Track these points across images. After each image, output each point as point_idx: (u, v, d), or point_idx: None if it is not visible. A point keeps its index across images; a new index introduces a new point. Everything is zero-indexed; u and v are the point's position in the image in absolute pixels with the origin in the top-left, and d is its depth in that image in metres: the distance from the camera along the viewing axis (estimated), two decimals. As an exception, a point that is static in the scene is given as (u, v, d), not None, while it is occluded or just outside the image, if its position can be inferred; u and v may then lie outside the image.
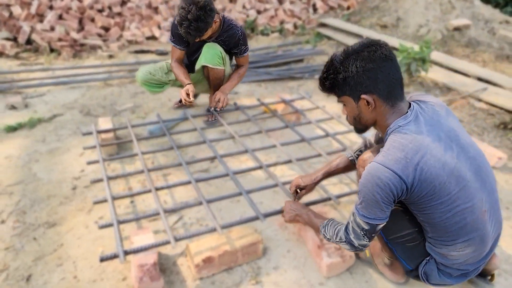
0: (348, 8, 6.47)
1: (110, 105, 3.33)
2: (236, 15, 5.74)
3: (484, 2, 5.77)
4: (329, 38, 4.93)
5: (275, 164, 2.13)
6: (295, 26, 5.94)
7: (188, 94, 2.40)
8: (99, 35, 5.22)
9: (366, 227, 1.23)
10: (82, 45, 4.92)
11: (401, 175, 1.12)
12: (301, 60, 4.55)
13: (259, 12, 6.06)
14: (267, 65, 4.38)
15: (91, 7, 5.41)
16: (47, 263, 1.66)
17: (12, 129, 2.82)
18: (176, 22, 2.25)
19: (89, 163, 2.09)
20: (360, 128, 1.32)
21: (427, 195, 1.15)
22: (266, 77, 4.01)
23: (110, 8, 5.52)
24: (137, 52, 4.88)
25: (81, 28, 5.25)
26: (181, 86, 2.63)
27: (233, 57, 2.70)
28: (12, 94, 3.51)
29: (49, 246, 1.76)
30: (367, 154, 1.41)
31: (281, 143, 2.31)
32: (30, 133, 2.78)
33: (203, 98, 3.21)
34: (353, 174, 1.84)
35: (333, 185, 2.15)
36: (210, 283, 1.53)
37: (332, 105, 3.21)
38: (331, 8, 6.49)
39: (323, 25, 5.28)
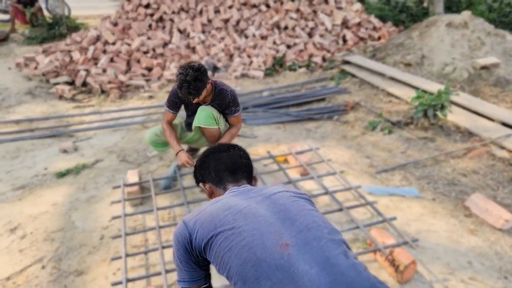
0: (379, 38, 6.47)
1: (143, 150, 3.77)
2: (266, 51, 6.05)
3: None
4: (353, 75, 5.04)
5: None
6: (324, 59, 6.10)
7: (187, 160, 2.72)
8: (143, 75, 5.81)
9: None
10: (127, 85, 5.53)
11: (185, 222, 1.24)
12: (323, 99, 4.71)
13: (288, 46, 6.31)
14: (288, 105, 4.60)
15: (138, 50, 6.05)
16: (73, 309, 2.04)
17: (61, 175, 3.35)
18: (176, 87, 2.54)
19: (114, 218, 2.48)
20: None
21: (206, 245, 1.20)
22: (285, 119, 4.24)
23: (154, 49, 6.13)
24: (174, 91, 5.38)
25: (128, 68, 5.89)
26: (186, 142, 3.05)
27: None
28: (66, 138, 4.11)
29: (76, 293, 2.15)
30: None
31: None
32: (75, 180, 3.28)
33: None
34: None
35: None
36: None
37: (340, 156, 3.35)
38: (361, 39, 6.53)
39: (347, 62, 5.40)
